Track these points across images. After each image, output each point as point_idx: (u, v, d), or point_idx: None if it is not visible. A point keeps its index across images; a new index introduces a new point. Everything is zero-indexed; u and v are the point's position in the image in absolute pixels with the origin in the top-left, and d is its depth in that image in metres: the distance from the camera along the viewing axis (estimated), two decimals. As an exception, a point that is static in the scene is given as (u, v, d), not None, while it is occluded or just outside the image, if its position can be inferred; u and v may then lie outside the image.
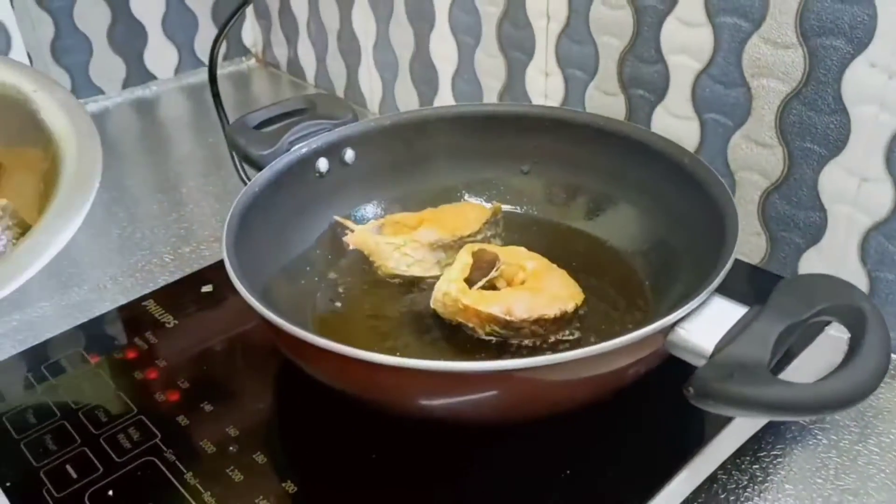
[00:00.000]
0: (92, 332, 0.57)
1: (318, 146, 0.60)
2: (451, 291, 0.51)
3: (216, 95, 0.72)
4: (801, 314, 0.41)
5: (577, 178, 0.62)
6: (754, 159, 0.63)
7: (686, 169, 0.55)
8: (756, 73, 0.60)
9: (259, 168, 0.58)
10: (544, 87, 0.78)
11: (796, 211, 0.61)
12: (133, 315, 0.58)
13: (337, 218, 0.61)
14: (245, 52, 1.17)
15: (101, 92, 1.06)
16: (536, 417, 0.46)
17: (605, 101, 0.72)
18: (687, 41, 0.63)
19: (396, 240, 0.57)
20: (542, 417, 0.46)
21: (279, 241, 0.57)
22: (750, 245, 0.65)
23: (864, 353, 0.37)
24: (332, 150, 0.61)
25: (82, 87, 1.04)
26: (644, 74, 0.68)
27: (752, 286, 0.59)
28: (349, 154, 0.62)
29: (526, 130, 0.63)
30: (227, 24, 0.72)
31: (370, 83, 1.00)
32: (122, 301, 0.61)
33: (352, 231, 0.60)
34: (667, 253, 0.55)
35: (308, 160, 0.60)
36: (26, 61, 0.86)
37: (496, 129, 0.64)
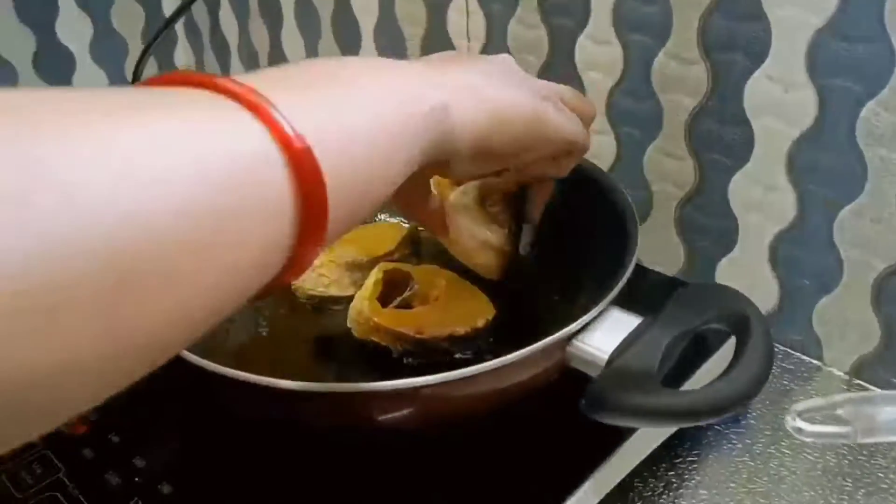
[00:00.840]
0: None
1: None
2: (364, 310, 0.51)
3: None
4: (692, 322, 0.42)
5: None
6: (667, 171, 0.64)
7: (588, 176, 0.56)
8: (665, 87, 0.61)
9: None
10: (465, 28, 0.75)
11: (710, 220, 0.63)
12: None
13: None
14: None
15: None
16: (439, 429, 0.46)
17: (527, 34, 0.70)
18: (598, 58, 0.65)
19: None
20: (446, 429, 0.46)
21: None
22: (666, 254, 0.66)
23: (746, 358, 0.37)
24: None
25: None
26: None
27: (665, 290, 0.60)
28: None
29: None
30: (150, 45, 0.71)
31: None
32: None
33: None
34: (574, 265, 0.56)
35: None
36: None
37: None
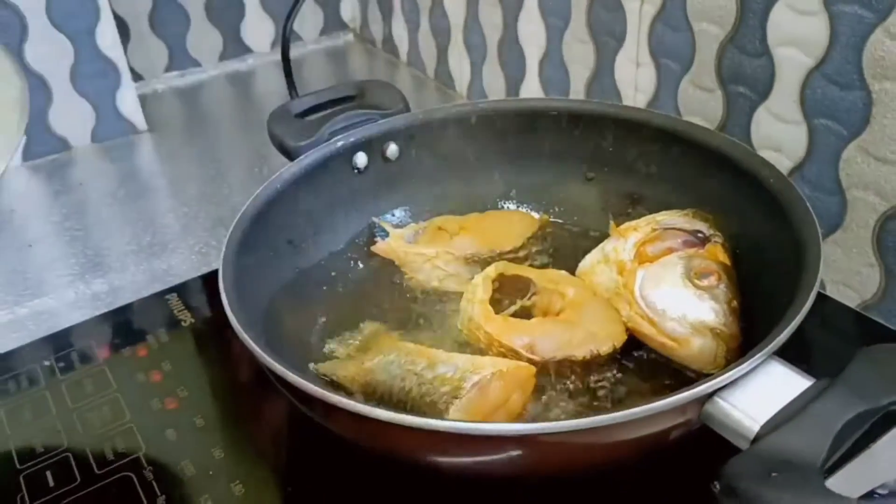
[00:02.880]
0: (110, 323, 0.55)
1: (357, 139, 0.55)
2: (474, 315, 0.45)
3: (288, 74, 0.69)
4: (880, 399, 0.32)
5: (641, 187, 0.54)
6: (872, 176, 0.52)
7: (765, 185, 0.45)
8: (879, 73, 0.49)
9: (294, 160, 0.54)
10: (634, 78, 0.69)
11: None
12: (151, 309, 0.55)
13: (375, 219, 0.56)
14: (343, 26, 1.14)
15: (198, 64, 1.05)
16: (552, 476, 0.39)
17: (699, 96, 0.63)
18: (798, 32, 0.53)
19: (428, 251, 0.52)
20: (557, 477, 0.39)
21: (302, 243, 0.52)
22: (860, 278, 0.54)
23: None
24: (373, 144, 0.56)
25: (179, 58, 1.04)
26: (746, 69, 0.58)
27: (849, 336, 0.48)
28: (392, 149, 0.57)
29: (589, 130, 0.55)
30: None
31: (460, 65, 0.93)
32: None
33: (387, 235, 0.55)
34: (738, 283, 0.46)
35: (344, 154, 0.55)
36: (115, 32, 0.86)
37: (557, 127, 0.57)
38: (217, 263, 0.43)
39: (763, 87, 0.57)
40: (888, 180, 0.50)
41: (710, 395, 0.34)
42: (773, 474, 0.30)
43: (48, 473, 0.43)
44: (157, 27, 1.00)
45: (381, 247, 0.54)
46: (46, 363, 0.52)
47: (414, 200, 0.58)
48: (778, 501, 0.28)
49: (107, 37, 0.85)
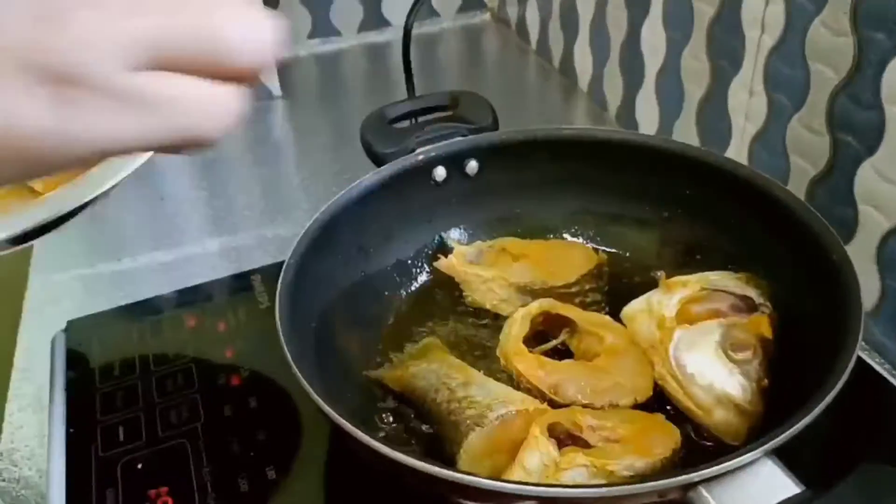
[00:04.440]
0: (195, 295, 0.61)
1: (439, 154, 0.57)
2: (507, 350, 0.47)
3: (408, 72, 0.70)
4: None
5: (707, 237, 0.53)
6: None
7: (827, 259, 0.44)
8: None
9: (380, 165, 0.57)
10: (746, 107, 0.67)
11: None
12: (234, 287, 0.61)
13: (443, 234, 0.59)
14: (481, 5, 1.15)
15: (338, 34, 1.10)
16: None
17: (806, 138, 0.60)
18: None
19: (485, 273, 0.53)
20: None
21: (371, 248, 0.55)
22: None
23: None
24: (455, 160, 0.58)
25: (321, 27, 1.09)
26: (856, 118, 0.55)
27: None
28: (472, 165, 0.59)
29: (670, 170, 0.55)
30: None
31: (583, 60, 0.92)
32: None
33: (451, 250, 0.57)
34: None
35: (424, 167, 0.57)
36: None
37: (638, 162, 0.56)
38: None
39: (871, 142, 0.54)
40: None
41: (695, 484, 0.35)
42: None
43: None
44: (304, -5, 1.05)
45: (442, 263, 0.56)
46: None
47: (484, 218, 0.60)
48: None
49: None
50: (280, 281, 0.46)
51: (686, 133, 0.75)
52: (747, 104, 0.66)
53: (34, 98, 0.22)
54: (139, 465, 0.47)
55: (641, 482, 0.35)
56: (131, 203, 0.79)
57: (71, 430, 0.50)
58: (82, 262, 0.72)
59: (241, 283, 0.61)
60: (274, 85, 0.98)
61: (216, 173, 0.84)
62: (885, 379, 0.50)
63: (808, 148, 0.59)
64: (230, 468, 0.47)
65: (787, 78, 0.60)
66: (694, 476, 0.34)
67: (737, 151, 0.68)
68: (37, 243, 0.76)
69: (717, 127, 0.70)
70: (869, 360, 0.52)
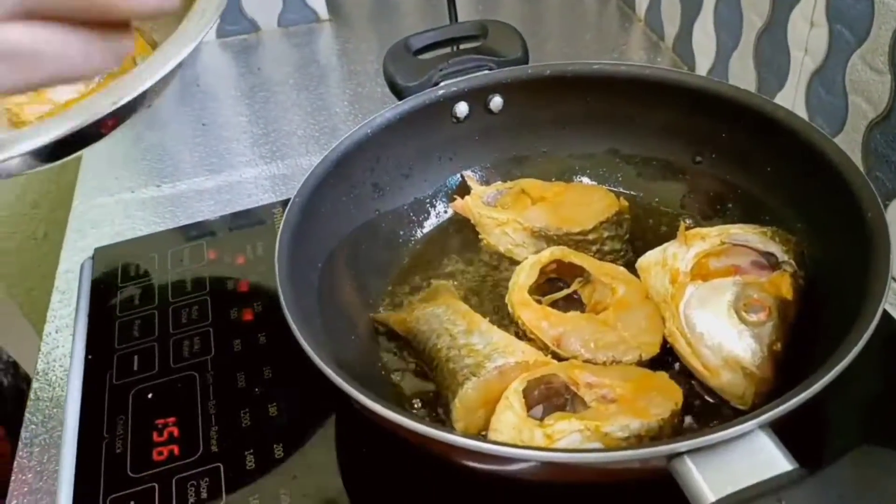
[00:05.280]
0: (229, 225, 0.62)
1: (460, 89, 0.55)
2: (514, 299, 0.45)
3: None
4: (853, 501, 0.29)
5: (742, 182, 0.50)
6: None
7: (860, 216, 0.40)
8: None
9: (402, 98, 0.55)
10: (806, 39, 0.61)
11: None
12: (254, 220, 0.61)
13: (464, 174, 0.57)
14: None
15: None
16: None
17: (868, 76, 0.55)
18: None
19: (500, 216, 0.51)
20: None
21: (387, 186, 0.54)
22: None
23: None
24: (477, 95, 0.55)
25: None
26: (892, 155, 0.51)
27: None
28: (496, 101, 0.56)
29: (707, 112, 0.51)
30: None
31: (704, 42, 0.78)
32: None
33: (469, 190, 0.55)
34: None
35: (445, 103, 0.55)
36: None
37: (674, 102, 0.52)
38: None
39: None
40: None
41: (680, 454, 0.33)
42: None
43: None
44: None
45: (458, 204, 0.55)
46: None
47: (507, 157, 0.57)
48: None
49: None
50: (283, 221, 0.45)
51: (742, 67, 0.70)
52: (808, 36, 0.61)
53: None
54: (149, 395, 0.49)
55: (638, 445, 0.33)
56: (173, 129, 0.80)
57: (89, 357, 0.51)
58: (124, 187, 0.74)
59: (261, 215, 0.61)
60: (320, 6, 0.95)
61: (259, 99, 0.83)
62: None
63: (868, 87, 0.54)
64: (234, 403, 0.47)
65: (849, 7, 0.55)
66: (680, 446, 0.33)
67: (794, 88, 0.63)
68: (82, 166, 0.78)
69: (775, 61, 0.65)
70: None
